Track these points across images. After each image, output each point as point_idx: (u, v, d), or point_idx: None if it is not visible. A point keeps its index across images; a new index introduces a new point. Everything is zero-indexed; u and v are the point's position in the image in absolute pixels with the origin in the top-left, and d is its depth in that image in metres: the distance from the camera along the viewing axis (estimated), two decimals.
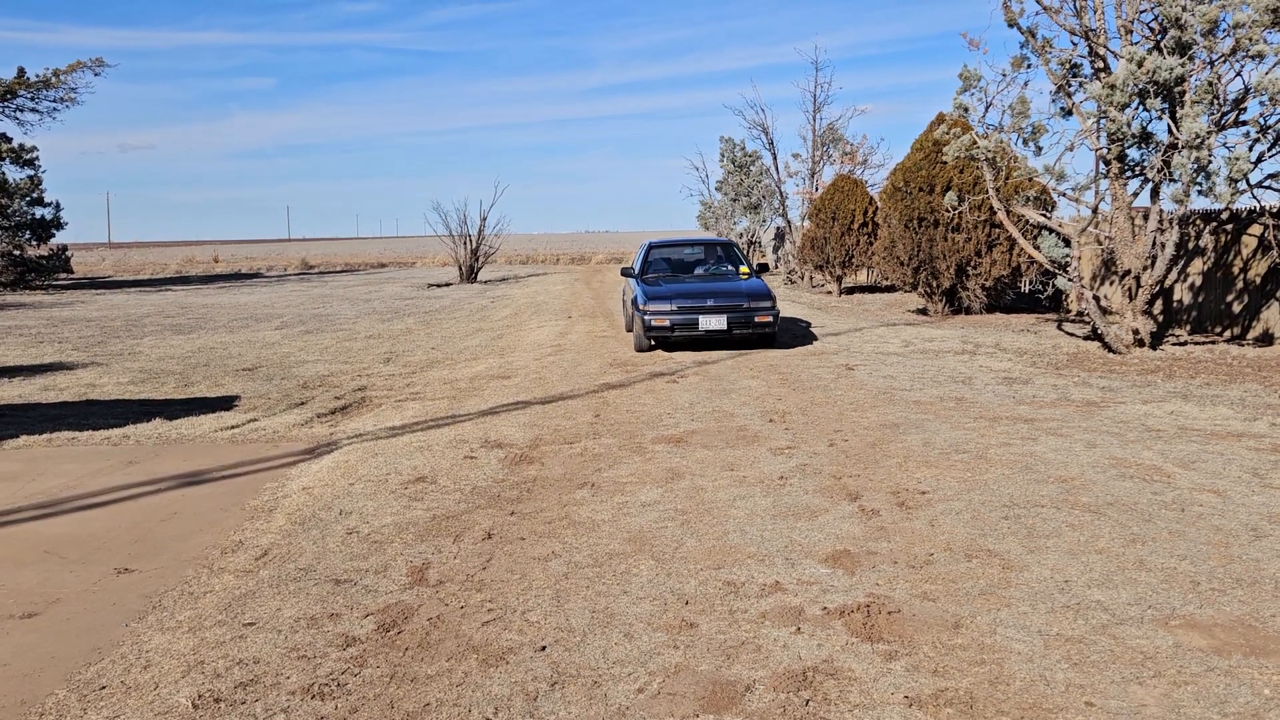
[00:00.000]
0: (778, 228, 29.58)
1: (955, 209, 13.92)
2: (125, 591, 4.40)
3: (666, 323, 11.64)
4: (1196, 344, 11.63)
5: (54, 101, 30.01)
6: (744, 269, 13.39)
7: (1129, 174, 11.28)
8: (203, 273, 40.88)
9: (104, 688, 3.45)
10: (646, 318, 11.68)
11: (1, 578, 4.58)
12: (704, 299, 11.87)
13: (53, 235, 30.96)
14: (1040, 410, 8.01)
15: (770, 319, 11.76)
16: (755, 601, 4.10)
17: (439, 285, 29.67)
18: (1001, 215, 12.33)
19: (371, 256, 56.13)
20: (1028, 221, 13.15)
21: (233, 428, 8.00)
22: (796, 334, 13.95)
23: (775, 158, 28.35)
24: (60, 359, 12.67)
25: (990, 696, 3.26)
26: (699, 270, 14.05)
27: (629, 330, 13.73)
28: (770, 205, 29.88)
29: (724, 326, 11.61)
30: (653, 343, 12.09)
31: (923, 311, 16.79)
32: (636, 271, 13.56)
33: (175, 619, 4.06)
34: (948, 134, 12.46)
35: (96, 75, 30.39)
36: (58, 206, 30.78)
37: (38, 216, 30.17)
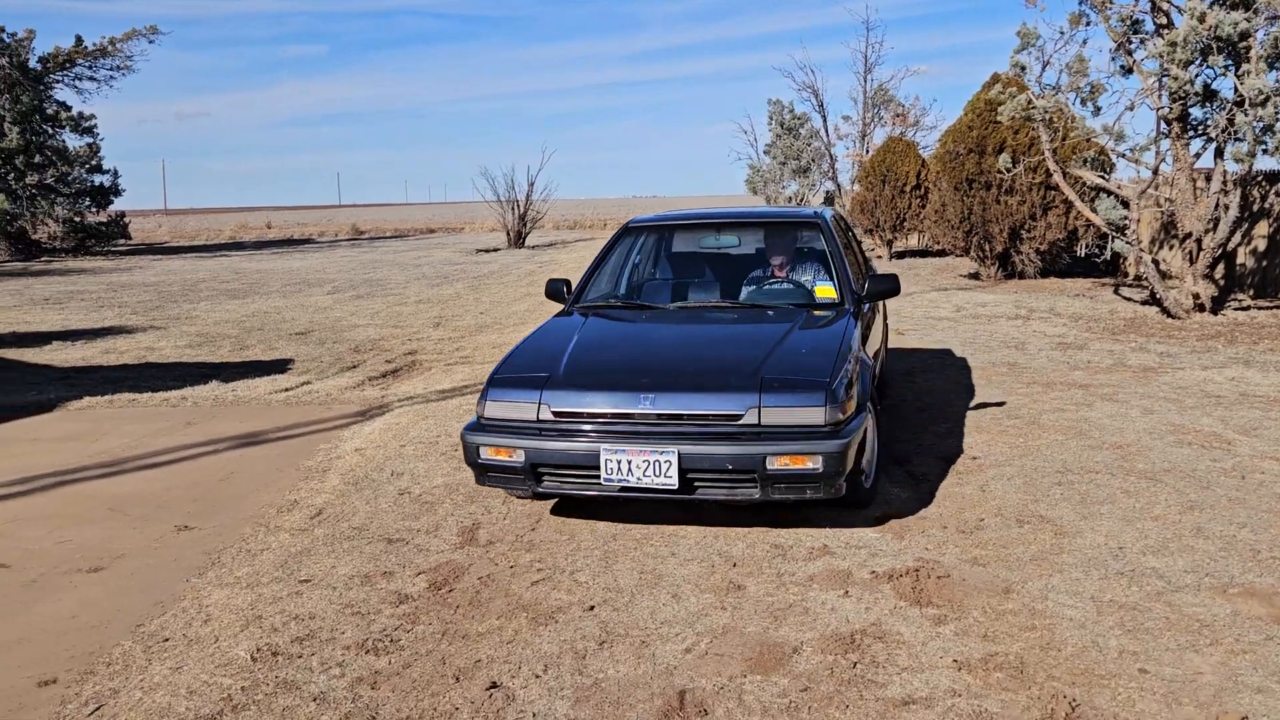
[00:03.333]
0: (827, 192, 29.20)
1: (1009, 171, 13.65)
2: (186, 548, 4.52)
3: (517, 458, 4.43)
4: (1260, 309, 11.33)
5: (111, 70, 30.47)
6: (825, 290, 5.76)
7: (1191, 134, 10.96)
8: (256, 239, 41.44)
9: (167, 640, 3.56)
10: (471, 439, 4.57)
11: (70, 533, 4.72)
12: (638, 392, 4.44)
13: (111, 202, 31.49)
14: (1095, 376, 7.88)
15: (815, 463, 4.15)
16: (803, 565, 4.10)
17: (487, 250, 29.80)
18: (1057, 177, 12.07)
19: (420, 222, 56.48)
20: (1084, 184, 12.85)
21: (287, 390, 8.14)
22: None
23: (825, 120, 28.01)
24: (120, 323, 12.95)
25: (1041, 662, 3.23)
26: (753, 287, 5.97)
27: None
28: (819, 169, 29.53)
29: (670, 480, 4.23)
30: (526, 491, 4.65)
31: (975, 276, 16.54)
32: (571, 294, 5.96)
33: (234, 575, 4.17)
34: (1003, 94, 12.18)
35: (151, 43, 30.77)
36: (116, 174, 31.28)
37: (96, 184, 30.68)
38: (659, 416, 4.34)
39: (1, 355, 10.29)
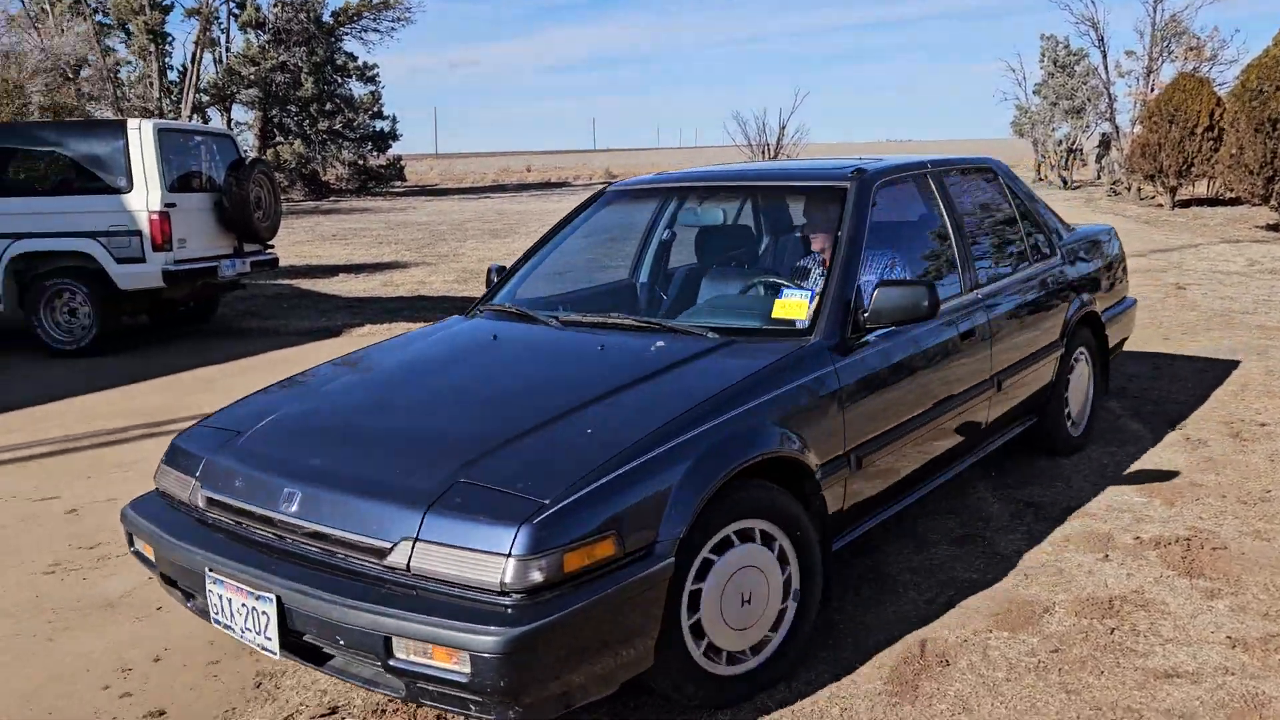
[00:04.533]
0: (1103, 134, 26.96)
1: None
2: None
3: (152, 557, 2.93)
4: None
5: (392, 22, 32.58)
6: (789, 305, 3.31)
7: None
8: (517, 182, 43.41)
9: None
10: (127, 520, 3.03)
11: None
12: (289, 482, 2.66)
13: (389, 146, 33.90)
14: None
15: (460, 665, 2.22)
16: (1057, 525, 3.91)
17: None
18: None
19: (672, 166, 57.16)
20: None
21: None
22: None
23: (1105, 56, 25.76)
24: (396, 259, 14.02)
25: None
26: (755, 288, 3.79)
27: None
28: (1095, 109, 27.29)
29: (269, 640, 2.51)
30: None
31: (1274, 228, 14.86)
32: (495, 282, 4.60)
33: None
34: None
35: None
36: (394, 120, 33.61)
37: (377, 129, 33.12)
38: (301, 531, 2.60)
39: (297, 285, 11.42)
